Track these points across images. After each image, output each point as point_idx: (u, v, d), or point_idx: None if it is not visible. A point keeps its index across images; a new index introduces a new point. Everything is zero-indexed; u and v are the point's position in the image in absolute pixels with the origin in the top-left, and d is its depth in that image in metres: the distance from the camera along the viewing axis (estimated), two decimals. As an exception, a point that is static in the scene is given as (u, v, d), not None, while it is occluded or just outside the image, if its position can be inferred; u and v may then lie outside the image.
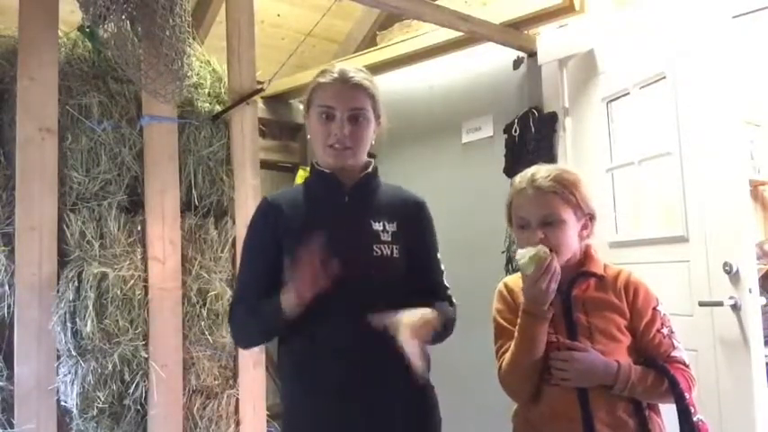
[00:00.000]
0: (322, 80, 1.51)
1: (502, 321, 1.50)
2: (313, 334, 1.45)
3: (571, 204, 1.45)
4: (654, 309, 1.46)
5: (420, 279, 1.56)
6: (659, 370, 1.41)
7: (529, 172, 1.50)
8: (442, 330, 1.49)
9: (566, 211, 1.45)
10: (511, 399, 1.51)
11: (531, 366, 1.42)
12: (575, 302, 1.45)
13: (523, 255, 1.39)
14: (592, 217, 1.49)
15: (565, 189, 1.45)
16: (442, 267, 1.61)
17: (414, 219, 1.57)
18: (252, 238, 1.58)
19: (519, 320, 1.43)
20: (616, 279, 1.48)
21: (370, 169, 1.56)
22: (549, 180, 1.45)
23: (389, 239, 1.50)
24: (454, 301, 1.60)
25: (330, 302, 1.44)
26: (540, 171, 1.48)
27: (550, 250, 1.39)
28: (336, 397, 1.44)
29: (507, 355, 1.46)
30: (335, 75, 1.50)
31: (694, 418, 1.39)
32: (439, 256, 1.61)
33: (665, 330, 1.45)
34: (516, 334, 1.44)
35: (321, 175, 1.54)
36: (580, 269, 1.49)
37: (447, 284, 1.60)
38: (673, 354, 1.44)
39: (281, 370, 1.57)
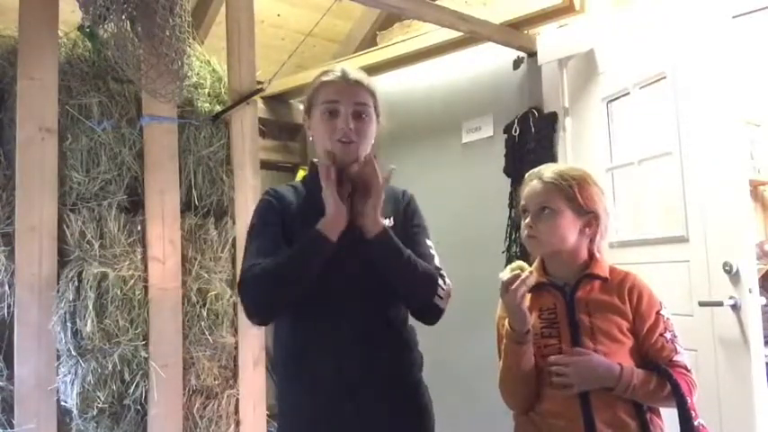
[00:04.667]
0: (325, 79, 1.52)
1: (501, 329, 1.52)
2: (310, 330, 1.45)
3: (568, 197, 1.48)
4: (657, 313, 1.46)
5: None
6: (661, 374, 1.41)
7: (542, 167, 1.56)
8: (406, 265, 1.45)
9: (560, 203, 1.48)
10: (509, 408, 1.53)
11: (519, 382, 1.46)
12: (578, 304, 1.46)
13: (502, 277, 1.43)
14: (596, 216, 1.50)
15: (564, 182, 1.49)
16: (433, 252, 1.57)
17: (407, 213, 1.58)
18: (262, 216, 1.52)
19: (504, 344, 1.47)
20: (621, 282, 1.48)
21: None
22: (552, 173, 1.51)
23: None
24: (447, 280, 1.53)
25: (329, 299, 1.45)
26: (551, 166, 1.56)
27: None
28: (330, 394, 1.44)
29: (499, 371, 1.50)
30: (338, 73, 1.52)
31: (695, 423, 1.39)
32: (428, 242, 1.57)
33: (667, 335, 1.45)
34: (503, 354, 1.48)
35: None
36: (585, 271, 1.49)
37: (439, 266, 1.55)
38: (675, 358, 1.44)
39: (275, 367, 1.58)
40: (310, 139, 1.55)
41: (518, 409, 1.51)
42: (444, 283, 1.52)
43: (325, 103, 1.49)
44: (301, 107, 3.90)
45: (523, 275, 1.40)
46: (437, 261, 1.56)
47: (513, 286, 1.39)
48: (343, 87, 1.50)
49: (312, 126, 1.54)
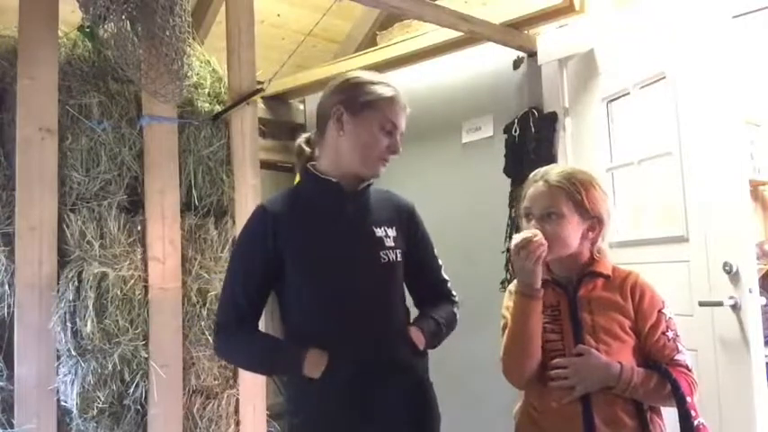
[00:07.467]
0: (390, 94, 1.52)
1: (507, 314, 1.51)
2: (323, 339, 1.46)
3: (576, 202, 1.47)
4: (659, 312, 1.46)
5: (424, 278, 1.63)
6: (662, 373, 1.41)
7: (546, 167, 1.55)
8: (436, 335, 1.58)
9: (568, 207, 1.46)
10: (510, 383, 1.52)
11: (525, 347, 1.44)
12: (580, 302, 1.46)
13: (517, 238, 1.43)
14: (599, 220, 1.50)
15: (572, 186, 1.48)
16: (440, 262, 1.67)
17: (409, 223, 1.61)
18: (245, 250, 1.55)
19: (513, 303, 1.46)
20: (623, 280, 1.49)
21: (370, 179, 1.57)
22: (559, 175, 1.50)
23: (393, 245, 1.53)
24: (454, 293, 1.67)
25: (342, 309, 1.46)
26: (556, 167, 1.54)
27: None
28: (341, 396, 1.45)
29: (504, 339, 1.49)
30: (399, 93, 1.54)
31: (695, 422, 1.39)
32: (435, 251, 1.67)
33: (669, 334, 1.45)
34: (510, 316, 1.47)
35: (325, 183, 1.53)
36: (587, 269, 1.49)
37: (446, 278, 1.67)
38: (676, 357, 1.44)
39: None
40: (341, 134, 1.51)
41: (520, 381, 1.49)
42: (456, 303, 1.65)
43: (386, 121, 1.50)
44: (301, 107, 3.94)
45: (537, 239, 1.40)
46: (443, 271, 1.67)
47: (532, 248, 1.38)
48: (402, 112, 1.53)
49: (355, 126, 1.50)
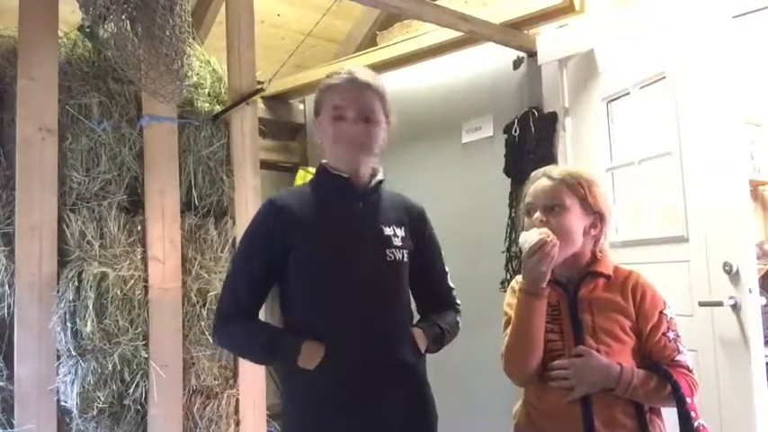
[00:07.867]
0: (331, 82, 1.51)
1: (512, 314, 1.51)
2: (324, 334, 1.46)
3: (578, 196, 1.48)
4: (660, 312, 1.46)
5: (430, 283, 1.63)
6: (662, 374, 1.41)
7: (547, 167, 1.57)
8: (438, 340, 1.58)
9: (571, 201, 1.48)
10: (510, 380, 1.52)
11: (528, 343, 1.44)
12: (581, 302, 1.46)
13: (526, 238, 1.42)
14: (601, 217, 1.50)
15: (574, 180, 1.49)
16: (447, 269, 1.67)
17: (420, 226, 1.61)
18: (251, 242, 1.55)
19: (516, 300, 1.46)
20: (625, 281, 1.49)
21: (381, 176, 1.58)
22: (562, 172, 1.52)
23: (400, 244, 1.53)
24: (458, 301, 1.66)
25: (344, 306, 1.47)
26: (557, 166, 1.58)
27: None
28: (340, 394, 1.45)
29: (507, 336, 1.49)
30: (344, 76, 1.51)
31: (695, 423, 1.39)
32: (443, 258, 1.67)
33: (670, 334, 1.45)
34: (514, 313, 1.47)
35: (336, 178, 1.53)
36: (588, 269, 1.49)
37: (452, 285, 1.67)
38: (677, 358, 1.44)
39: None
40: (318, 142, 1.55)
41: (521, 378, 1.49)
42: (459, 312, 1.65)
43: (333, 109, 1.49)
44: (301, 107, 3.95)
45: (550, 239, 1.39)
46: (449, 277, 1.66)
47: (547, 250, 1.38)
48: (350, 92, 1.49)
49: (320, 130, 1.54)
